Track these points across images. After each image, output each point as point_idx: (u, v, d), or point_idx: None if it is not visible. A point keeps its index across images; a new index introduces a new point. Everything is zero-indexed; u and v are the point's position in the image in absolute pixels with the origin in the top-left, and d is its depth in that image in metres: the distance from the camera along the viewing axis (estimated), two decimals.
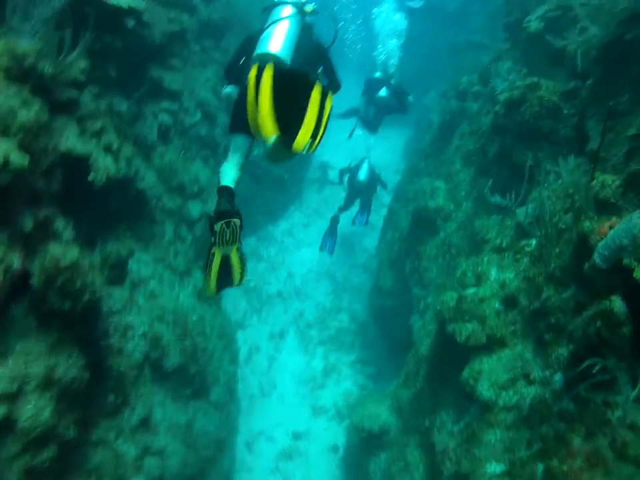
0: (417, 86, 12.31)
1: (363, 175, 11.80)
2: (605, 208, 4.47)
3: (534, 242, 5.75)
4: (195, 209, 8.75)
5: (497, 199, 6.02)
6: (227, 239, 4.13)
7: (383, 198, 15.09)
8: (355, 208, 12.53)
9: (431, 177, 9.64)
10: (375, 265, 12.05)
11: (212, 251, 4.24)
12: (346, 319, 11.56)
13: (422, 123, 15.50)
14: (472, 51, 14.02)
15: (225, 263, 4.31)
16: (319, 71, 4.74)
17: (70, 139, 5.27)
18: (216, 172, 10.09)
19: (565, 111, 6.38)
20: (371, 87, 10.82)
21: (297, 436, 9.46)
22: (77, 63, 5.47)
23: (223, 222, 4.06)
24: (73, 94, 5.50)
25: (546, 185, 6.23)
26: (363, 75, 16.90)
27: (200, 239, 8.81)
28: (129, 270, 6.97)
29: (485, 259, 6.31)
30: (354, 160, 12.66)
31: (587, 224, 4.31)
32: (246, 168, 4.55)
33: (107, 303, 6.20)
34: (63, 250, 4.43)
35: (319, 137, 3.82)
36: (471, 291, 5.49)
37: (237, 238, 4.21)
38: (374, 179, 12.08)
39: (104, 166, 5.66)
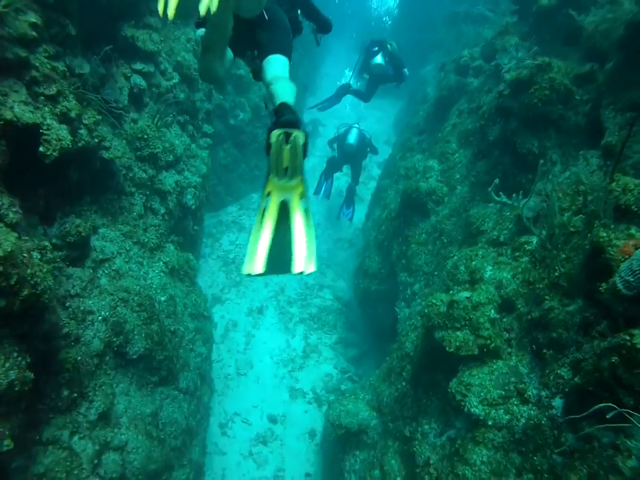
0: (413, 56, 11.69)
1: (352, 138, 11.61)
2: (624, 215, 3.93)
3: (535, 240, 5.23)
4: (168, 179, 8.13)
5: (502, 199, 5.45)
6: (285, 164, 2.99)
7: (372, 170, 14.61)
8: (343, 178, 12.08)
9: (424, 155, 9.07)
10: (360, 241, 11.57)
11: (266, 189, 3.06)
12: (329, 296, 11.07)
13: (416, 95, 14.96)
14: (472, 23, 13.34)
15: (283, 217, 3.01)
16: (298, 12, 4.39)
17: (16, 106, 4.62)
18: (194, 138, 9.54)
19: (577, 97, 5.80)
20: (368, 52, 10.34)
21: (273, 419, 9.03)
22: (25, 16, 4.77)
23: (282, 131, 2.96)
24: (21, 53, 4.80)
25: (551, 176, 5.71)
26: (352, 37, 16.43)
27: (174, 212, 8.23)
28: (91, 248, 6.40)
29: (480, 252, 5.79)
30: (343, 125, 12.29)
31: (602, 234, 3.78)
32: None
33: (64, 286, 5.70)
34: None
35: None
36: (464, 295, 4.94)
37: (300, 167, 3.05)
38: (364, 144, 11.83)
39: (56, 137, 5.01)
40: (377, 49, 10.35)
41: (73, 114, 5.54)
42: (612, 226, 3.91)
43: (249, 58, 4.08)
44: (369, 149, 12.13)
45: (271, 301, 10.84)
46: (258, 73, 4.16)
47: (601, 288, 3.50)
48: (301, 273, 2.81)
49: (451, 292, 5.61)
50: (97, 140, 6.25)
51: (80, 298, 5.82)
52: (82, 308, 5.72)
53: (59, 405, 5.16)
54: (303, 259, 2.84)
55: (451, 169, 7.82)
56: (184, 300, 8.00)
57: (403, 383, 6.05)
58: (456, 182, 7.54)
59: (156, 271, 7.48)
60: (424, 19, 18.37)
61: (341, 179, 13.16)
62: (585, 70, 5.91)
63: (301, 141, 2.97)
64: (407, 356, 6.19)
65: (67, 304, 5.59)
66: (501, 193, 5.46)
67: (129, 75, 7.61)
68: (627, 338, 3.02)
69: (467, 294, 4.91)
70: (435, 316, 4.97)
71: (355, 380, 9.43)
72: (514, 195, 5.24)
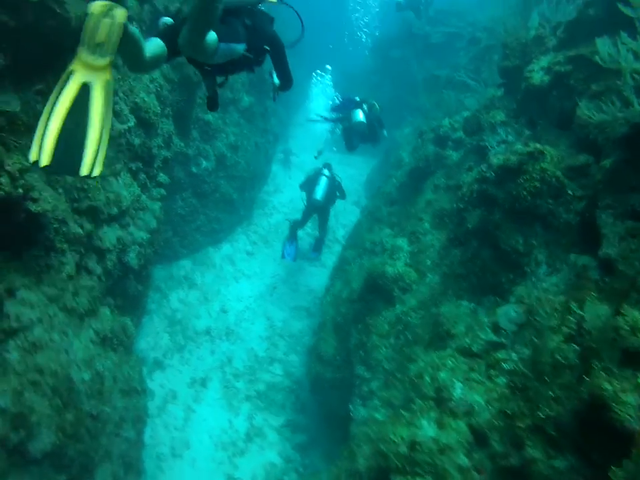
0: (389, 115, 11.18)
1: (319, 192, 11.21)
2: (630, 359, 3.19)
3: (514, 356, 4.48)
4: (110, 235, 7.26)
5: (489, 335, 4.73)
6: (100, 40, 2.66)
7: (337, 231, 13.97)
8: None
9: (393, 230, 8.35)
10: (318, 311, 10.72)
11: (70, 66, 2.70)
12: (279, 372, 10.09)
13: (390, 157, 14.45)
14: (453, 89, 12.87)
15: (81, 103, 2.68)
16: (265, 47, 4.26)
17: None
18: (146, 188, 8.71)
19: (570, 192, 5.14)
20: (347, 106, 9.99)
21: None
22: None
23: (105, 2, 2.66)
24: None
25: (534, 279, 5.03)
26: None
27: (113, 272, 7.34)
28: (3, 315, 5.47)
29: (449, 362, 5.01)
30: (313, 169, 11.96)
31: (606, 386, 3.03)
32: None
33: None
34: None
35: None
36: (429, 433, 4.12)
37: (115, 46, 2.73)
38: (333, 191, 11.51)
39: None
40: (357, 103, 9.88)
41: None
42: (615, 371, 3.17)
43: (208, 81, 4.07)
44: (338, 194, 11.73)
45: (216, 372, 9.84)
46: (213, 102, 4.18)
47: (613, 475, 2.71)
48: (88, 176, 2.60)
49: (413, 406, 4.82)
50: (22, 190, 5.38)
51: None
52: None
53: None
54: (90, 160, 2.58)
55: (422, 252, 7.08)
56: (114, 373, 7.05)
57: None
58: (426, 269, 6.79)
59: (83, 341, 6.53)
60: (404, 77, 18.14)
61: (304, 239, 12.52)
62: (579, 162, 5.29)
63: (121, 18, 2.68)
64: (357, 474, 5.31)
65: None
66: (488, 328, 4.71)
67: None
68: None
69: (432, 432, 4.08)
70: (393, 456, 4.11)
71: (299, 471, 8.47)
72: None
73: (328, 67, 17.36)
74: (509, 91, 7.62)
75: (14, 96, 5.40)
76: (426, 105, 13.74)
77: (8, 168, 5.14)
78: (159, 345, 10.14)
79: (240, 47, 3.72)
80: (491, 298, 5.43)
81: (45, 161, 2.49)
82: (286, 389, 9.80)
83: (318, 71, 17.57)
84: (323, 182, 11.24)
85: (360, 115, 9.56)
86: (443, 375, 4.89)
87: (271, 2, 4.43)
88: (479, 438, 4.17)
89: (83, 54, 2.64)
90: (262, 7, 4.32)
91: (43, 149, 2.51)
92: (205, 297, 11.39)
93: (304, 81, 18.75)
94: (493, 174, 5.65)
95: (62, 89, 2.62)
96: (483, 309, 5.42)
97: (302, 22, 4.77)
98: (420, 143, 9.96)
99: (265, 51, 4.24)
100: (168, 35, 3.27)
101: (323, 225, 11.94)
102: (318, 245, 12.02)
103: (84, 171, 2.53)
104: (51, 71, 6.23)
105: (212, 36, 3.23)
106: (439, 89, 13.78)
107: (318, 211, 11.66)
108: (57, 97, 2.61)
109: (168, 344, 10.22)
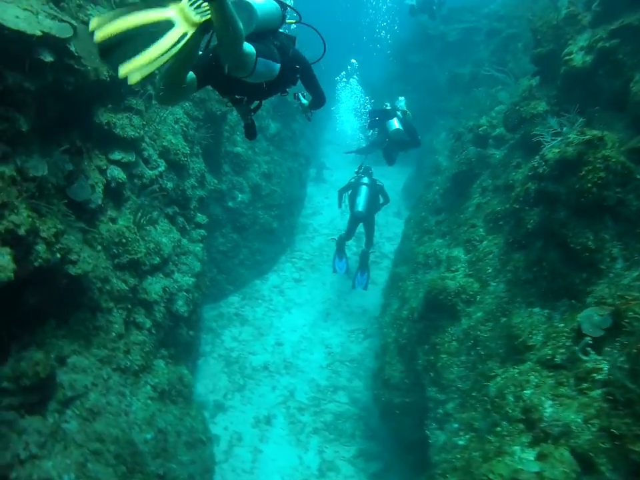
0: (417, 121, 10.84)
1: (361, 203, 10.87)
2: None
3: (607, 365, 4.06)
4: (155, 286, 7.07)
5: (573, 343, 4.30)
6: (205, 6, 2.86)
7: (384, 246, 13.59)
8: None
9: (445, 239, 7.94)
10: (376, 331, 10.35)
11: (171, 2, 2.89)
12: (345, 400, 9.72)
13: (424, 163, 14.05)
14: (480, 85, 12.41)
15: (158, 27, 2.82)
16: (297, 67, 4.31)
17: None
18: (186, 232, 8.49)
19: (639, 176, 4.71)
20: (378, 117, 10.15)
21: None
22: None
23: None
24: None
25: (612, 275, 4.60)
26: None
27: (163, 324, 7.13)
28: (57, 385, 5.27)
29: (532, 378, 4.61)
30: (354, 177, 11.51)
31: None
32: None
33: (13, 449, 4.58)
34: None
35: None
36: (531, 467, 3.70)
37: (207, 17, 2.88)
38: (375, 197, 11.18)
39: None
40: (387, 112, 10.02)
41: (22, 230, 4.56)
42: None
43: (242, 108, 4.22)
44: (381, 199, 11.33)
45: (280, 408, 9.52)
46: (250, 130, 4.35)
47: None
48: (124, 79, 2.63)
49: (499, 429, 4.44)
50: (59, 255, 5.20)
51: (35, 460, 4.65)
52: (35, 476, 4.54)
53: None
54: (134, 66, 2.63)
55: (481, 260, 6.65)
56: (177, 427, 6.83)
57: None
58: (488, 277, 6.35)
59: (142, 399, 6.36)
60: (427, 82, 17.85)
61: (350, 258, 12.18)
62: None
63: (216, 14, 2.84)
64: None
65: (14, 476, 4.40)
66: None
67: (105, 167, 6.58)
68: None
69: (535, 466, 3.67)
70: None
71: None
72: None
73: (353, 60, 16.76)
74: (545, 78, 7.20)
75: (41, 160, 5.23)
76: (457, 106, 13.31)
77: (43, 234, 4.96)
78: (218, 386, 9.89)
79: (277, 66, 3.71)
80: (565, 302, 5.00)
81: (99, 37, 2.60)
82: (353, 417, 9.42)
83: (343, 73, 17.01)
84: (364, 191, 10.91)
85: (395, 123, 9.65)
86: (528, 392, 4.49)
87: (290, 22, 4.39)
88: (583, 463, 3.75)
89: (187, 3, 2.85)
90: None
91: (104, 28, 2.63)
92: (258, 331, 11.12)
93: (327, 92, 18.36)
94: (548, 169, 5.23)
95: (153, 6, 2.81)
96: (558, 315, 5.00)
97: (324, 41, 4.67)
98: (459, 145, 9.59)
99: (297, 70, 4.25)
100: (199, 64, 3.35)
101: (369, 236, 11.60)
102: (364, 263, 11.56)
103: (123, 70, 2.58)
104: (75, 128, 6.09)
105: (249, 48, 3.27)
106: (465, 87, 13.40)
107: (362, 221, 11.36)
108: (144, 7, 2.77)
109: (227, 385, 9.96)
